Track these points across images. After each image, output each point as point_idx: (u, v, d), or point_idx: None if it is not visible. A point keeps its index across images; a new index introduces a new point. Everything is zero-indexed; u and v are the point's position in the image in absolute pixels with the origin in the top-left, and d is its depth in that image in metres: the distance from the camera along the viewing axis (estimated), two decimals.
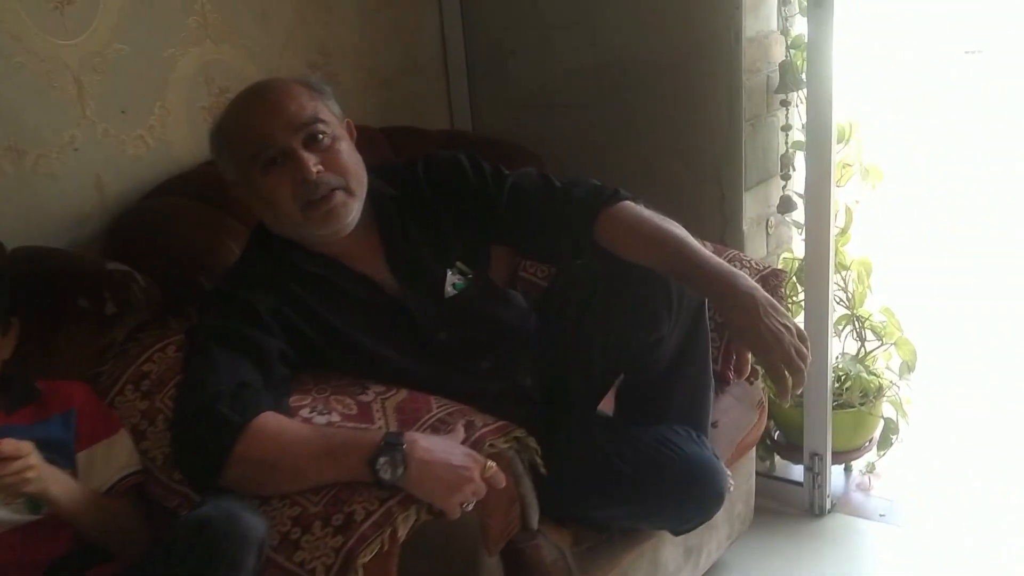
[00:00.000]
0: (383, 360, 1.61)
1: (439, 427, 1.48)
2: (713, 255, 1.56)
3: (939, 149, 5.32)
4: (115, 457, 1.48)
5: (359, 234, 1.63)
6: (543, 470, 1.52)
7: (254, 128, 1.53)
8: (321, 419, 1.50)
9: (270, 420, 1.39)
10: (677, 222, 1.64)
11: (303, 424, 1.43)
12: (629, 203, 1.64)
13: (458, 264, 1.71)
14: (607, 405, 1.81)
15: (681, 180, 2.39)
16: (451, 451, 1.38)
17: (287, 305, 1.56)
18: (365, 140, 1.78)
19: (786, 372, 1.43)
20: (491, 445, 1.47)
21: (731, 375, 1.92)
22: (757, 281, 1.58)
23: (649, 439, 1.64)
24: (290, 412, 1.48)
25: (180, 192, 1.96)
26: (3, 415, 1.43)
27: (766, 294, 1.48)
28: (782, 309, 1.48)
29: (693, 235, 1.61)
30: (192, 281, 1.76)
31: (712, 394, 1.79)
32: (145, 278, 1.70)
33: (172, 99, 2.07)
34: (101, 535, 1.41)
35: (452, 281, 1.68)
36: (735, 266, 1.59)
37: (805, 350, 1.46)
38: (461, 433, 1.45)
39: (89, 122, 1.93)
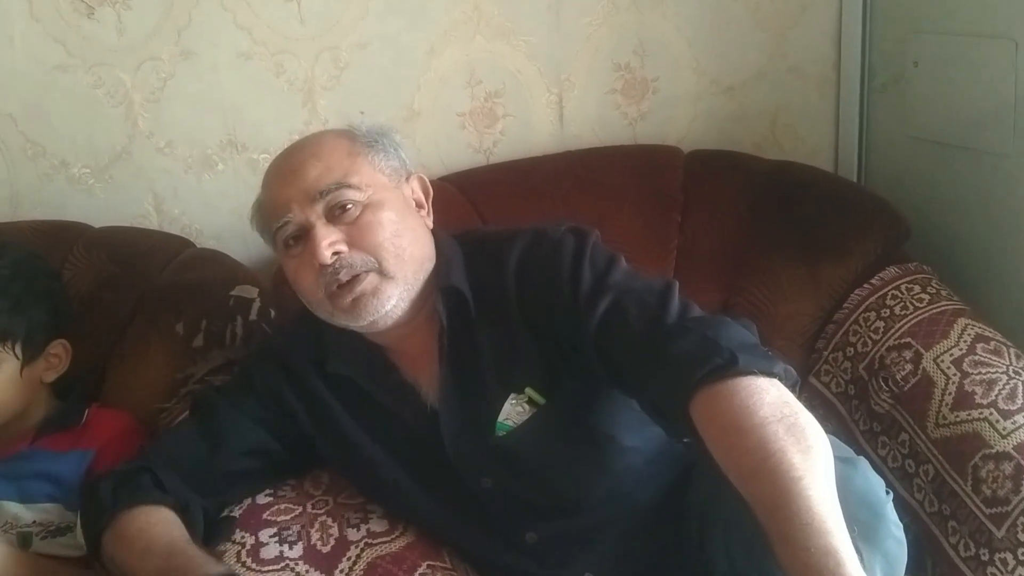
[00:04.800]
0: (399, 490, 1.23)
1: None
2: (831, 523, 0.88)
3: None
4: None
5: (418, 324, 1.23)
6: None
7: (274, 198, 1.18)
8: (284, 548, 1.20)
9: (138, 518, 1.14)
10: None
11: (163, 534, 1.13)
12: (750, 382, 0.99)
13: (528, 391, 1.19)
14: None
15: None
16: None
17: (290, 390, 1.26)
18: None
19: None
20: None
21: None
22: None
23: None
24: (223, 519, 1.23)
25: None
26: (35, 437, 1.38)
27: None
28: None
29: None
30: None
31: None
32: (263, 312, 1.52)
33: (423, 102, 1.83)
34: None
35: (509, 414, 1.18)
36: None
37: None
38: None
39: (320, 121, 1.79)
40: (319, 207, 1.16)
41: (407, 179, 1.26)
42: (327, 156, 1.19)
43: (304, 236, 1.17)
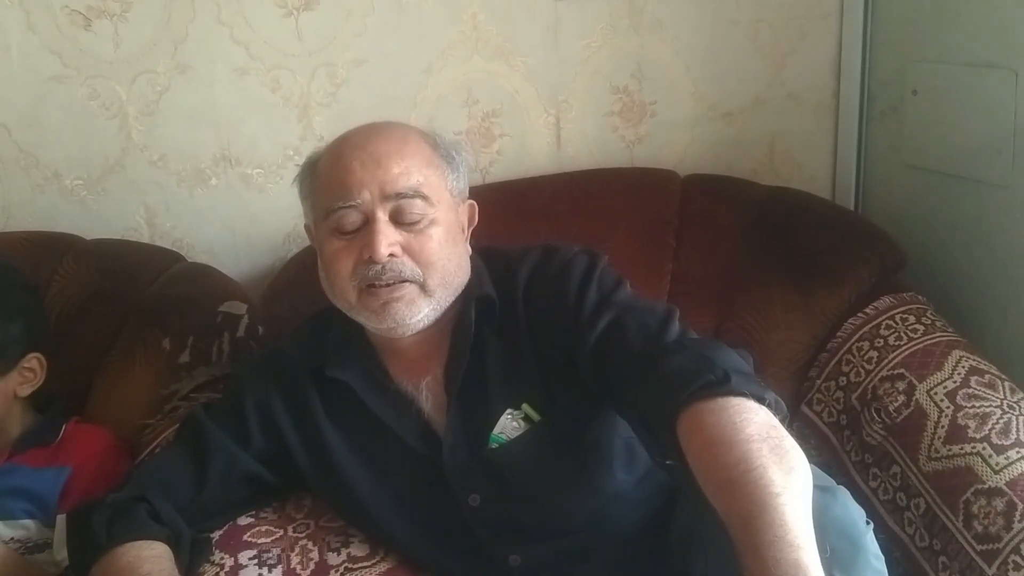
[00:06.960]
0: (381, 515, 1.21)
1: None
2: (804, 540, 0.86)
3: None
4: None
5: (432, 332, 1.22)
6: None
7: (346, 177, 1.17)
8: (264, 571, 1.19)
9: (128, 552, 1.11)
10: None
11: (152, 571, 1.10)
12: (740, 402, 0.98)
13: (525, 406, 1.19)
14: None
15: None
16: None
17: (282, 407, 1.25)
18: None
19: None
20: None
21: None
22: None
23: None
24: (209, 545, 1.21)
25: None
26: (12, 452, 1.37)
27: None
28: None
29: None
30: None
31: None
32: (251, 329, 1.51)
33: (420, 120, 1.82)
34: None
35: (504, 427, 1.18)
36: None
37: None
38: None
39: (316, 138, 1.78)
40: (389, 205, 1.16)
41: (463, 202, 1.27)
42: (410, 157, 1.18)
43: (361, 227, 1.16)
